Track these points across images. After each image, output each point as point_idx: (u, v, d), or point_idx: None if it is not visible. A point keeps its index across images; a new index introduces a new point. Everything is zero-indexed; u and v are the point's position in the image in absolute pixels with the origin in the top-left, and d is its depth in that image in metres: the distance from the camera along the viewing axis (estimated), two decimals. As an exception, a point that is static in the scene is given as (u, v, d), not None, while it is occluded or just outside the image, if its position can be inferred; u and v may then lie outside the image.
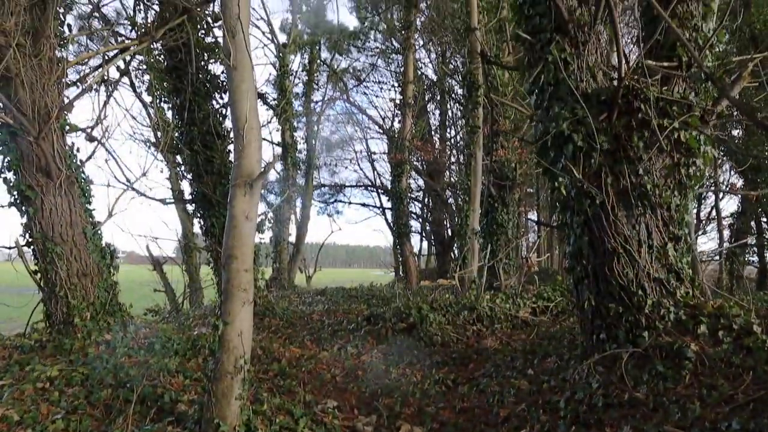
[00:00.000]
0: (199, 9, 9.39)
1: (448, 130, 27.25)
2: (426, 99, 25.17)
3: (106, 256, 7.73)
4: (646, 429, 4.34)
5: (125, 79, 12.84)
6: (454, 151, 25.65)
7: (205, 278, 14.25)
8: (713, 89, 6.05)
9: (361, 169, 27.76)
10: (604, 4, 5.69)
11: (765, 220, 20.54)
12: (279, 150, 19.02)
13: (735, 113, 7.46)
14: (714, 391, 4.50)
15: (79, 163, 7.71)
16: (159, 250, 14.47)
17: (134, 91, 13.93)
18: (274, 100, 18.45)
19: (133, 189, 11.74)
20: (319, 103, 22.74)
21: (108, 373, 5.71)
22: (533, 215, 30.75)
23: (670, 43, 6.07)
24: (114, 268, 7.88)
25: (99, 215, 8.29)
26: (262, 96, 17.84)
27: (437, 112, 27.39)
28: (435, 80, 25.66)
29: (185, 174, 11.08)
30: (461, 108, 21.86)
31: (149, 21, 9.45)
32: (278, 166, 19.20)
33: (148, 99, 13.43)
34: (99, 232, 7.83)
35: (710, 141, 5.98)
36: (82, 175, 7.83)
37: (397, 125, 23.33)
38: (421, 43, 24.00)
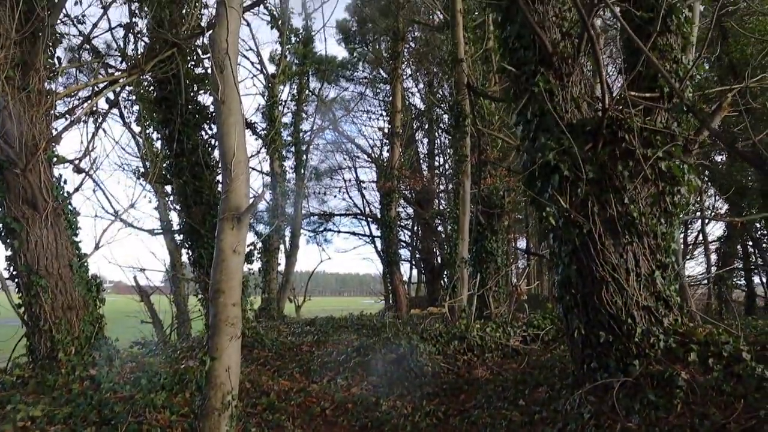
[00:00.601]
0: (188, 42, 9.49)
1: (437, 158, 27.46)
2: (414, 128, 25.39)
3: (92, 289, 7.65)
4: (638, 460, 4.30)
5: (114, 110, 12.86)
6: (443, 180, 25.80)
7: (193, 309, 14.09)
8: (695, 119, 6.17)
9: (351, 198, 27.76)
10: (586, 37, 5.82)
11: (751, 244, 20.75)
12: (268, 179, 19.03)
13: (717, 143, 7.60)
14: (706, 420, 4.48)
15: (66, 194, 7.68)
16: (146, 281, 14.30)
17: (123, 121, 13.91)
18: (263, 129, 18.53)
19: (121, 220, 11.68)
20: (308, 133, 22.87)
21: (92, 410, 5.60)
22: (522, 242, 30.87)
23: (652, 75, 6.21)
24: (100, 301, 7.80)
25: (86, 247, 8.22)
26: (251, 126, 17.91)
27: (425, 140, 27.62)
28: (423, 109, 25.94)
29: (174, 204, 11.06)
30: (449, 137, 22.08)
31: (139, 53, 9.54)
32: (267, 195, 19.18)
33: (137, 129, 13.45)
34: (85, 264, 7.76)
35: (694, 169, 6.07)
36: (69, 206, 7.80)
37: (385, 154, 23.47)
38: (409, 73, 24.34)
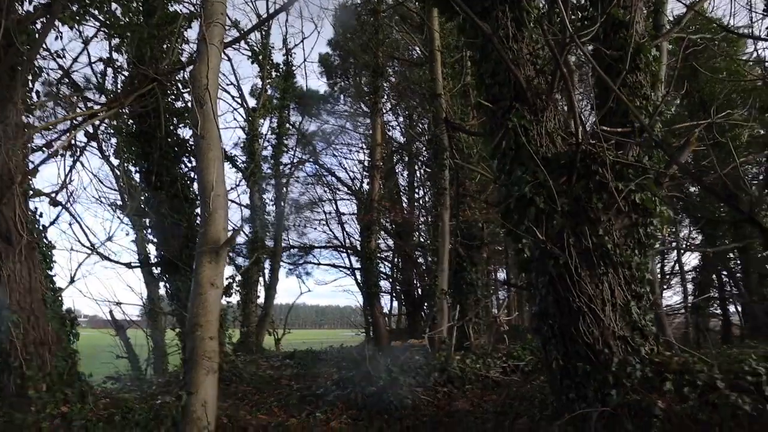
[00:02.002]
0: (169, 76, 9.56)
1: (416, 191, 27.63)
2: (394, 161, 25.62)
3: (66, 324, 7.51)
4: (617, 492, 4.31)
5: (93, 143, 12.81)
6: (423, 212, 25.95)
7: (170, 343, 13.83)
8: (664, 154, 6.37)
9: (331, 230, 27.70)
10: (559, 74, 6.01)
11: (725, 273, 21.12)
12: (248, 212, 18.99)
13: (685, 177, 7.84)
14: (682, 450, 4.52)
15: (41, 228, 7.59)
16: (123, 315, 14.04)
17: (102, 154, 13.86)
18: (243, 162, 18.57)
19: (98, 253, 11.54)
20: (288, 165, 22.94)
21: (63, 450, 5.44)
22: (502, 274, 30.99)
23: (623, 110, 6.41)
24: (74, 336, 7.64)
25: (61, 281, 8.10)
26: (231, 158, 17.95)
27: (405, 173, 27.83)
28: (403, 143, 26.22)
29: (151, 237, 10.97)
30: (428, 170, 22.32)
31: (119, 87, 9.58)
32: (247, 228, 19.11)
33: (115, 162, 13.39)
34: (60, 298, 7.63)
35: (665, 201, 6.24)
36: (45, 240, 7.70)
37: (366, 186, 23.58)
38: (389, 107, 24.65)
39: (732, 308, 20.99)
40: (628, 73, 6.45)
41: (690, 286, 22.83)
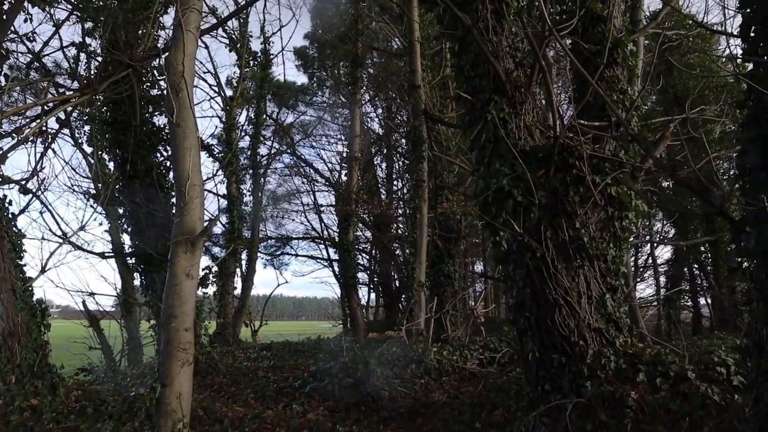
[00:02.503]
0: (144, 63, 9.36)
1: (395, 183, 27.68)
2: (373, 152, 25.58)
3: (36, 314, 7.35)
4: (591, 481, 4.38)
5: (65, 130, 12.51)
6: (401, 204, 25.99)
7: (145, 335, 13.65)
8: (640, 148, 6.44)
9: (309, 222, 27.61)
10: (538, 67, 6.03)
11: (696, 266, 21.58)
12: (224, 202, 18.80)
13: (660, 171, 7.96)
14: (654, 439, 4.60)
15: (10, 216, 7.40)
16: (96, 306, 13.79)
17: (75, 142, 13.55)
18: (220, 152, 18.35)
19: (70, 242, 11.30)
20: (266, 156, 22.75)
21: (32, 443, 5.33)
22: (479, 266, 31.24)
23: (601, 104, 6.47)
24: (45, 327, 7.48)
25: (32, 271, 7.91)
26: (208, 148, 17.67)
27: (384, 165, 27.84)
28: (381, 134, 26.18)
29: (126, 227, 10.77)
30: (406, 162, 22.32)
31: (92, 73, 9.34)
32: (224, 218, 18.91)
33: (88, 150, 13.10)
34: (30, 288, 7.46)
35: (641, 195, 6.32)
36: (14, 228, 7.51)
37: (344, 178, 23.51)
38: (368, 98, 24.57)
39: (702, 300, 21.51)
40: (606, 68, 6.49)
41: (662, 279, 23.33)
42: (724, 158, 15.42)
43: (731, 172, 17.31)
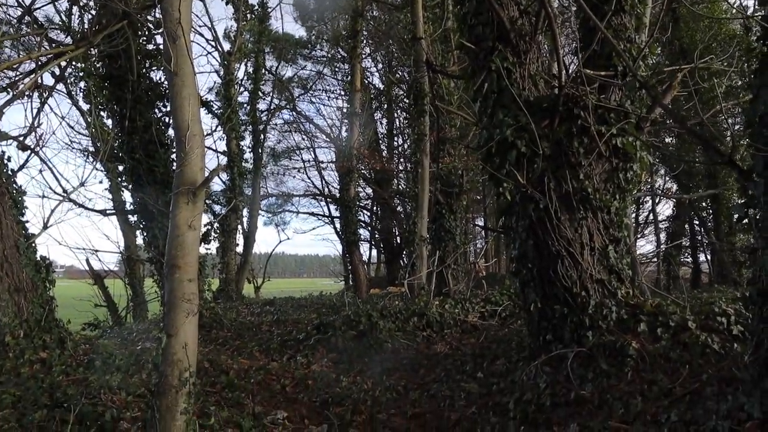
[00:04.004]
0: (139, 14, 9.11)
1: (396, 138, 27.45)
2: (373, 108, 25.27)
3: (41, 270, 7.37)
4: (592, 426, 4.46)
5: (61, 86, 12.31)
6: (402, 160, 25.85)
7: (149, 291, 13.78)
8: (647, 97, 6.33)
9: (309, 178, 27.52)
10: (543, 15, 5.87)
11: (697, 222, 21.61)
12: (224, 159, 18.68)
13: (667, 121, 7.84)
14: (654, 386, 4.67)
15: (10, 172, 7.35)
16: (99, 264, 13.87)
17: (71, 97, 13.38)
18: (219, 108, 18.12)
19: (70, 200, 11.30)
20: (265, 112, 22.49)
21: (43, 393, 5.41)
22: (480, 222, 31.31)
23: (607, 53, 6.32)
24: (50, 283, 7.52)
25: (33, 228, 7.90)
26: (206, 104, 17.44)
27: (384, 121, 27.55)
28: (382, 89, 25.81)
29: (126, 184, 10.73)
30: (408, 117, 22.07)
31: (86, 26, 9.11)
32: (224, 175, 18.83)
33: (86, 107, 12.92)
34: (33, 245, 7.46)
35: (646, 147, 6.24)
36: (14, 185, 7.46)
37: (344, 134, 23.31)
38: (368, 52, 24.13)
39: (702, 257, 21.62)
40: (613, 15, 6.32)
41: (663, 236, 23.40)
42: (729, 113, 15.23)
43: (736, 127, 17.14)
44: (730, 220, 18.29)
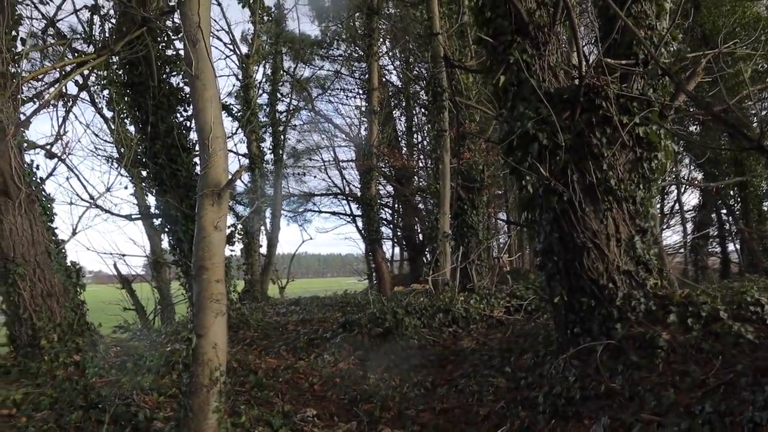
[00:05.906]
0: (158, 20, 9.25)
1: (415, 135, 27.37)
2: (392, 105, 25.23)
3: (71, 275, 7.53)
4: (623, 418, 4.40)
5: (84, 94, 12.55)
6: (422, 156, 25.78)
7: (176, 294, 13.98)
8: (670, 85, 6.22)
9: (330, 177, 27.64)
10: (562, 5, 5.80)
11: (725, 211, 21.19)
12: (246, 161, 18.85)
13: (691, 109, 7.69)
14: (686, 377, 4.59)
15: (39, 180, 7.51)
16: (127, 268, 14.13)
17: (94, 105, 13.64)
18: (239, 111, 18.28)
19: (97, 206, 11.51)
20: (285, 113, 22.62)
21: (78, 395, 5.55)
22: (502, 217, 31.11)
23: (627, 42, 6.23)
24: (80, 287, 7.68)
25: (62, 234, 8.07)
26: (226, 107, 17.61)
27: (403, 118, 27.50)
28: (400, 87, 25.77)
29: (150, 189, 10.89)
30: (426, 114, 21.99)
31: (107, 35, 9.27)
32: (246, 177, 19.02)
33: (109, 114, 13.15)
34: (63, 250, 7.63)
35: (670, 135, 6.14)
36: (43, 192, 7.63)
37: (363, 132, 23.33)
38: (385, 50, 24.11)
39: (731, 247, 21.20)
40: (633, 2, 6.23)
41: (689, 226, 22.99)
42: (756, 97, 14.88)
43: (763, 113, 16.76)
44: (760, 207, 17.92)
